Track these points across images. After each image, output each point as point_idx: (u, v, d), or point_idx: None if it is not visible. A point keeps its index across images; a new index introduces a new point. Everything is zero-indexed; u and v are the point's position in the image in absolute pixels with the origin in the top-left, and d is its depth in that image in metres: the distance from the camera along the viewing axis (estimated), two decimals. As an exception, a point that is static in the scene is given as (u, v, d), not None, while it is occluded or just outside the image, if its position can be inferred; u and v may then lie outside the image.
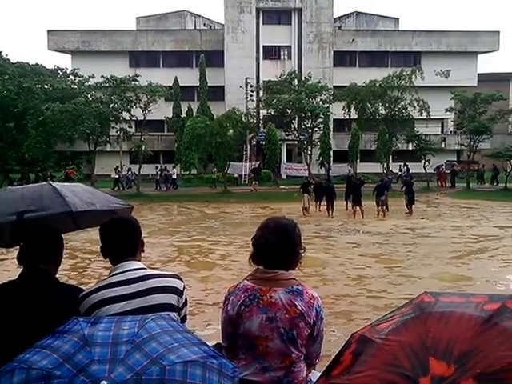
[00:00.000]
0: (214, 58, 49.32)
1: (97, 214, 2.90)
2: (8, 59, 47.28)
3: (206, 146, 38.15)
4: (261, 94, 44.56)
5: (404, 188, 26.93)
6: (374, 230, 20.53)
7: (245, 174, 43.86)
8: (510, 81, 61.02)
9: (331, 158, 45.42)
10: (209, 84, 48.49)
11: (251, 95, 44.99)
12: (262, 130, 45.43)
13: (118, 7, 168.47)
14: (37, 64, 49.18)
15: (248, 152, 44.89)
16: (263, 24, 49.45)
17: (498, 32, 52.35)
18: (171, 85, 45.31)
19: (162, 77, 43.77)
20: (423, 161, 40.95)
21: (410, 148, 43.26)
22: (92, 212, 2.91)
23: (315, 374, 2.67)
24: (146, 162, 41.18)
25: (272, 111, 41.30)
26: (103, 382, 1.66)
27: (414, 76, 39.11)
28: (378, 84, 39.84)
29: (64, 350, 1.81)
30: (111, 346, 1.81)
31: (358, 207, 24.21)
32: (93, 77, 39.91)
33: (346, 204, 26.28)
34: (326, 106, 40.54)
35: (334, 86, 44.17)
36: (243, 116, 40.74)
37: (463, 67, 48.10)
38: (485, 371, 1.52)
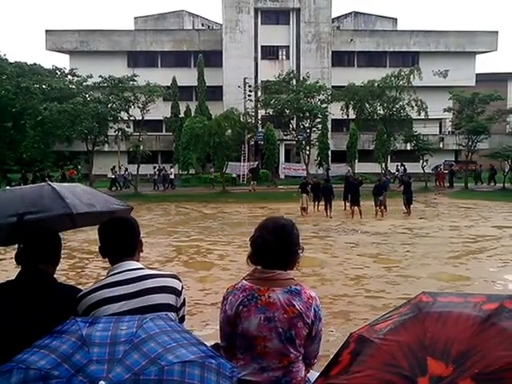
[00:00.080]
0: (213, 58, 49.28)
1: (96, 215, 2.89)
2: (6, 59, 47.28)
3: (204, 145, 38.13)
4: (259, 93, 44.55)
5: (402, 187, 26.94)
6: (373, 229, 20.54)
7: (243, 174, 43.83)
8: (507, 81, 61.06)
9: (329, 158, 45.41)
10: (207, 84, 48.44)
11: (249, 95, 44.98)
12: (260, 129, 45.43)
13: (116, 7, 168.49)
14: (35, 64, 49.19)
15: (246, 152, 44.87)
16: (261, 24, 49.43)
17: (497, 32, 52.37)
18: (169, 85, 45.25)
19: (160, 77, 43.74)
20: (421, 161, 40.96)
21: (408, 148, 43.26)
22: (92, 213, 2.90)
23: (313, 374, 2.67)
24: (144, 162, 41.15)
25: (270, 111, 41.29)
26: (101, 382, 1.66)
27: (412, 76, 39.12)
28: (376, 84, 39.85)
29: (62, 350, 1.81)
30: (109, 346, 1.81)
31: (356, 207, 24.23)
32: (91, 77, 39.83)
33: (345, 204, 26.29)
34: (325, 105, 40.54)
35: (332, 86, 44.20)
36: (241, 116, 40.72)
37: (461, 67, 48.14)
38: (483, 371, 1.52)
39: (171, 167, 43.58)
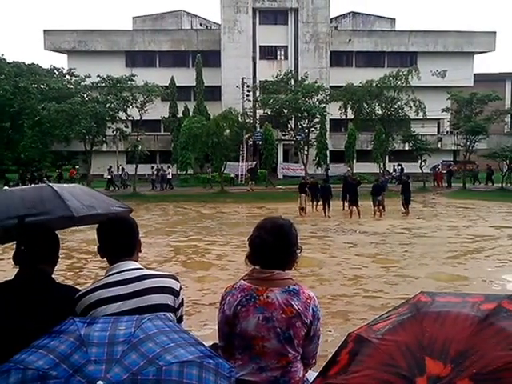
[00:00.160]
0: (211, 58, 49.28)
1: (96, 216, 2.89)
2: (4, 59, 47.25)
3: (203, 145, 38.12)
4: (257, 93, 44.49)
5: (400, 187, 26.98)
6: (371, 229, 20.55)
7: (241, 174, 43.82)
8: (505, 81, 61.12)
9: (328, 158, 45.46)
10: (205, 84, 48.43)
11: (248, 95, 44.97)
12: (258, 129, 45.47)
13: (115, 7, 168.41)
14: (33, 64, 49.17)
15: (244, 152, 44.87)
16: (260, 24, 49.45)
17: (495, 32, 52.48)
18: (168, 85, 45.29)
19: (159, 77, 43.75)
20: (419, 161, 40.99)
21: (407, 148, 43.29)
22: (92, 215, 2.90)
23: (312, 374, 2.67)
24: (142, 162, 41.13)
25: (268, 111, 41.31)
26: (99, 382, 1.66)
27: (410, 76, 39.13)
28: (374, 84, 39.84)
29: (60, 350, 1.81)
30: (107, 347, 1.81)
31: (354, 207, 24.23)
32: (89, 76, 39.81)
33: (343, 204, 26.28)
34: (323, 106, 40.54)
35: (330, 86, 44.21)
36: (240, 116, 40.69)
37: (459, 67, 48.19)
38: (481, 371, 1.52)
39: (168, 167, 43.56)
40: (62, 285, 2.87)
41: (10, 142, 45.99)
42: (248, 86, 45.37)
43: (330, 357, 1.90)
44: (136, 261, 2.78)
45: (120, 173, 43.18)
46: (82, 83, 40.90)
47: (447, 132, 51.88)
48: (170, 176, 42.11)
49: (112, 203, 3.05)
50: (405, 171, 41.50)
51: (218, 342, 2.85)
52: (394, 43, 51.57)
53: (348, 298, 10.46)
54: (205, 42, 50.89)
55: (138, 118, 39.08)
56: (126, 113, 39.14)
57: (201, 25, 56.55)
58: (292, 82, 42.12)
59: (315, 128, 41.73)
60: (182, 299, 2.74)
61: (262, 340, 2.61)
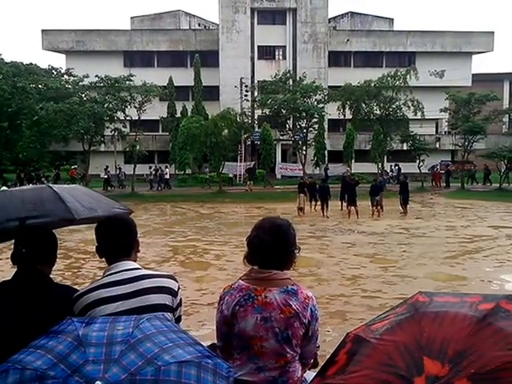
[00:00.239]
0: (209, 58, 49.30)
1: (97, 218, 2.88)
2: (2, 59, 47.11)
3: (201, 145, 38.12)
4: (255, 93, 44.54)
5: (399, 187, 27.01)
6: (369, 229, 20.56)
7: (239, 174, 43.84)
8: (504, 81, 61.21)
9: (326, 158, 45.48)
10: (203, 84, 48.44)
11: (246, 95, 44.97)
12: (256, 129, 45.45)
13: (113, 7, 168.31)
14: (31, 64, 49.05)
15: (243, 152, 44.88)
16: (258, 24, 49.47)
17: (493, 33, 52.51)
18: (166, 85, 45.26)
19: (157, 77, 43.71)
20: (418, 161, 41.05)
21: (405, 148, 43.32)
22: (93, 217, 2.89)
23: (310, 374, 2.67)
24: (140, 162, 41.09)
25: (267, 111, 41.30)
26: (97, 382, 1.65)
27: (408, 76, 39.16)
28: (372, 84, 39.86)
29: (58, 350, 1.81)
30: (106, 347, 1.81)
31: (352, 207, 24.24)
32: (87, 76, 39.74)
33: (341, 204, 26.29)
34: (321, 106, 40.54)
35: (328, 86, 44.23)
36: (238, 116, 40.69)
37: (458, 67, 48.21)
38: (479, 371, 1.52)
39: (166, 167, 43.54)
40: (60, 285, 2.86)
41: (8, 142, 45.89)
42: (246, 86, 45.38)
43: (328, 357, 1.90)
44: (134, 261, 2.78)
45: (117, 173, 43.10)
46: (80, 83, 40.83)
47: (445, 132, 51.93)
48: (167, 176, 42.10)
49: (112, 205, 3.04)
50: (403, 171, 41.60)
51: (216, 341, 2.84)
52: (392, 43, 51.61)
53: (346, 298, 10.47)
54: (203, 41, 50.89)
55: (136, 118, 39.07)
56: (124, 113, 39.12)
57: (199, 25, 56.55)
58: (290, 81, 42.14)
59: (313, 128, 41.77)
60: (181, 299, 2.74)
61: (260, 340, 2.61)
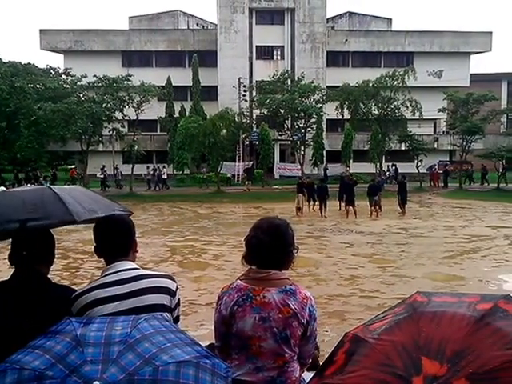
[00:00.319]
0: (207, 58, 49.25)
1: (96, 219, 2.87)
2: (0, 59, 47.08)
3: (199, 145, 38.12)
4: (254, 93, 44.53)
5: (397, 187, 27.03)
6: (367, 229, 20.57)
7: (238, 174, 43.83)
8: (501, 81, 61.25)
9: (324, 158, 45.48)
10: (202, 84, 48.39)
11: (244, 95, 44.96)
12: (255, 129, 45.42)
13: (111, 7, 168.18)
14: (29, 63, 49.04)
15: (241, 152, 44.88)
16: (256, 24, 49.42)
17: (491, 33, 52.50)
18: (164, 84, 45.21)
19: (155, 76, 43.68)
20: (416, 161, 41.06)
21: (403, 148, 43.34)
22: (93, 220, 2.88)
23: (308, 374, 2.67)
24: (138, 162, 41.07)
25: (265, 111, 41.28)
26: (96, 382, 1.65)
27: (406, 76, 39.16)
28: (370, 84, 39.87)
29: (56, 350, 1.81)
30: (104, 347, 1.80)
31: (351, 207, 24.25)
32: (85, 76, 39.71)
33: (339, 204, 26.30)
34: (319, 106, 40.55)
35: (327, 86, 44.23)
36: (236, 116, 40.73)
37: (456, 67, 48.24)
38: (477, 371, 1.53)
39: (163, 167, 43.50)
40: (58, 285, 2.86)
41: (5, 142, 45.87)
42: (244, 86, 45.37)
43: (326, 357, 1.90)
44: (133, 261, 2.77)
45: (114, 172, 42.99)
46: (79, 83, 40.79)
47: (443, 132, 51.96)
48: (165, 176, 42.06)
49: (113, 206, 3.03)
50: (401, 171, 41.54)
51: (214, 341, 2.84)
52: (391, 43, 51.61)
53: (344, 298, 10.47)
54: (201, 41, 50.83)
55: (135, 118, 39.07)
56: (123, 113, 39.09)
57: (197, 25, 56.52)
58: (288, 82, 42.11)
59: (312, 128, 41.76)
60: (179, 299, 2.74)
61: (258, 340, 2.61)
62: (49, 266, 2.81)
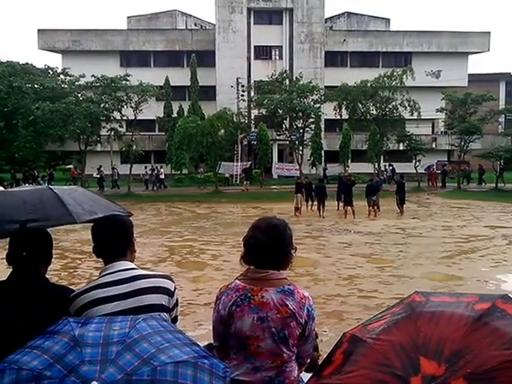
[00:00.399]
0: (205, 58, 49.23)
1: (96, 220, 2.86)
2: (-2, 58, 47.04)
3: (197, 145, 38.08)
4: (252, 93, 44.49)
5: (395, 187, 27.05)
6: (366, 229, 20.57)
7: (236, 174, 43.82)
8: (500, 81, 61.36)
9: (322, 158, 45.49)
10: (200, 84, 48.35)
11: (242, 95, 44.96)
12: (253, 129, 45.42)
13: (109, 7, 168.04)
14: (27, 63, 48.95)
15: (239, 152, 44.87)
16: (254, 24, 49.41)
17: (489, 33, 52.58)
18: (162, 84, 45.14)
19: (153, 76, 43.65)
20: (414, 161, 41.05)
21: (401, 148, 43.34)
22: (93, 221, 2.88)
23: (306, 375, 2.67)
24: (137, 162, 41.03)
25: (263, 111, 41.27)
26: (94, 382, 1.65)
27: (404, 76, 39.19)
28: (369, 84, 39.89)
29: (54, 350, 1.80)
30: (102, 347, 1.80)
31: (349, 207, 24.26)
32: (83, 76, 39.66)
33: (338, 204, 26.31)
34: (318, 106, 40.52)
35: (325, 86, 44.23)
36: (234, 116, 40.69)
37: (454, 68, 48.29)
38: (475, 371, 1.53)
39: (161, 167, 43.46)
40: (56, 285, 2.85)
41: (3, 142, 45.79)
42: (243, 86, 45.37)
43: (324, 356, 1.90)
44: (131, 261, 2.77)
45: (111, 172, 42.83)
46: (77, 83, 40.74)
47: (442, 132, 51.99)
48: (163, 176, 42.02)
49: (113, 207, 3.03)
50: (399, 171, 41.48)
51: (212, 342, 2.84)
52: (389, 43, 51.64)
53: (343, 298, 10.48)
54: (199, 41, 50.83)
55: (133, 118, 39.01)
56: (121, 112, 39.03)
57: (195, 25, 56.51)
58: (287, 82, 42.10)
59: (310, 128, 41.73)
60: (177, 299, 2.74)
61: (256, 340, 2.61)
62: (46, 265, 2.81)
